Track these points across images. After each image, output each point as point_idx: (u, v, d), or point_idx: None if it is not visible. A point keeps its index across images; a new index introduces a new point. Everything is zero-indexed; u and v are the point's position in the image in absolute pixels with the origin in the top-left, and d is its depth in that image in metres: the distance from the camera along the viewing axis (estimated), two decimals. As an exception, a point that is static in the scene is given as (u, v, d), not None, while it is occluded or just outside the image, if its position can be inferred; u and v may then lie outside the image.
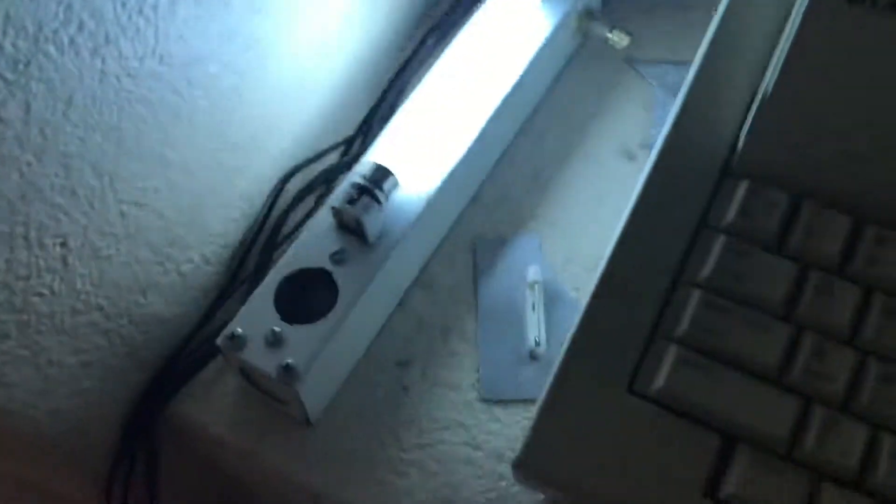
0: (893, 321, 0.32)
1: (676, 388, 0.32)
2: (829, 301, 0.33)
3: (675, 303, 0.34)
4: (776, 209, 0.34)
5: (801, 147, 0.34)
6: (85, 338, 0.36)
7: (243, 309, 0.38)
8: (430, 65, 0.45)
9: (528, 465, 0.33)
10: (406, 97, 0.44)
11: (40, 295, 0.33)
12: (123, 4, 0.30)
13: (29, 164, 0.30)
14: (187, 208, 0.39)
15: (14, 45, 0.27)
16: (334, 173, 0.45)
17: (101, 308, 0.36)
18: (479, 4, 0.46)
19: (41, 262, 0.33)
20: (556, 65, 0.48)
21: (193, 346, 0.41)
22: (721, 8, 0.39)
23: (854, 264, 0.33)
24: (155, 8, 0.32)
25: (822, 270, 0.33)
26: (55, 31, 0.28)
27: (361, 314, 0.39)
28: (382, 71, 0.48)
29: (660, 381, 0.33)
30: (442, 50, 0.45)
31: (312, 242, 0.39)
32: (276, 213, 0.43)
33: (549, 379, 0.34)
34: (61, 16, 0.28)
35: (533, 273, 0.42)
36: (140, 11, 0.31)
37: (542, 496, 0.38)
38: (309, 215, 0.43)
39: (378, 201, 0.38)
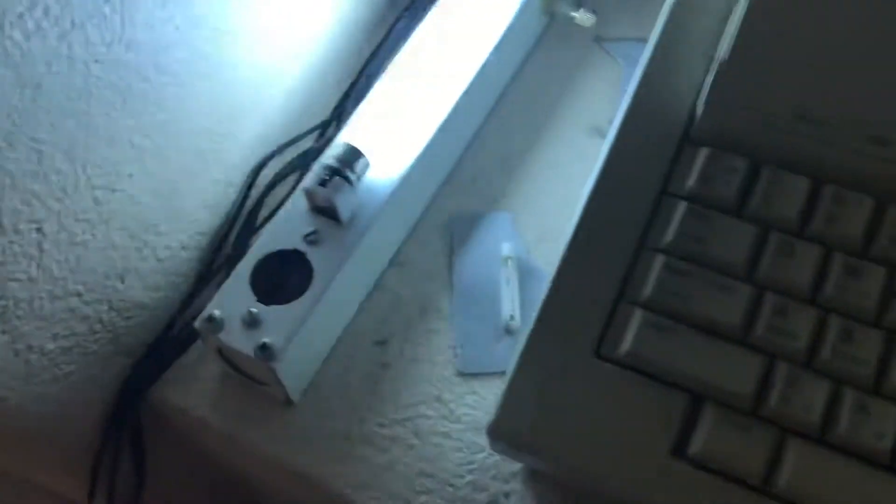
0: (853, 279, 0.33)
1: (642, 350, 0.33)
2: (789, 261, 0.34)
3: (640, 268, 0.34)
4: (736, 174, 0.34)
5: (758, 112, 0.35)
6: (64, 323, 0.37)
7: (220, 291, 0.39)
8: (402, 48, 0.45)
9: (501, 432, 0.34)
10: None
11: (17, 280, 0.34)
12: (88, -9, 0.31)
13: (0, 150, 0.30)
14: (162, 194, 0.39)
15: (-21, 32, 0.28)
16: (309, 157, 0.45)
17: (79, 294, 0.37)
18: (447, -13, 0.46)
19: (17, 248, 0.33)
20: (525, 45, 0.48)
21: (174, 331, 0.42)
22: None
23: (813, 224, 0.34)
24: (120, -5, 0.32)
25: (783, 231, 0.34)
26: (20, 16, 0.29)
27: (337, 294, 0.39)
28: (355, 55, 0.49)
29: (626, 344, 0.33)
30: (412, 33, 0.45)
31: (287, 225, 0.40)
32: (252, 197, 0.44)
33: (519, 347, 0.35)
34: (26, 1, 0.29)
35: (507, 249, 0.43)
36: (106, -1, 0.32)
37: (520, 465, 0.38)
38: (285, 199, 0.44)
39: (349, 182, 0.39)
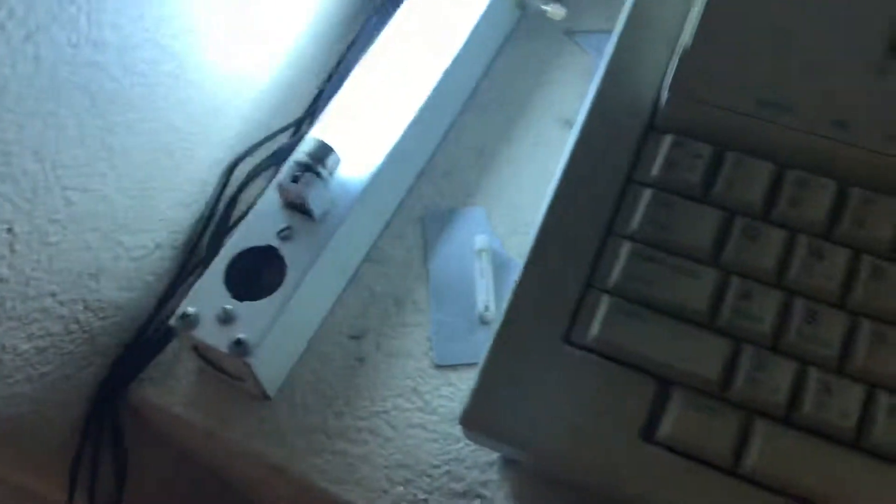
0: (817, 261, 0.34)
1: (610, 336, 0.33)
2: (754, 245, 0.34)
3: (607, 255, 0.35)
4: (700, 160, 0.35)
5: (721, 98, 0.35)
6: (38, 323, 0.37)
7: (194, 288, 0.39)
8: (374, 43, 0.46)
9: (473, 420, 0.34)
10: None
11: (-11, 281, 0.34)
12: (53, -9, 0.31)
13: (-33, 151, 0.31)
14: (135, 193, 0.39)
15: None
16: (284, 154, 0.45)
17: (53, 294, 0.37)
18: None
19: (-13, 249, 0.33)
20: (496, 39, 0.49)
21: (151, 330, 0.42)
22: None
23: (777, 209, 0.35)
24: (86, -5, 0.33)
25: (747, 216, 0.35)
26: (-17, 18, 0.29)
27: (311, 289, 0.40)
28: (329, 53, 0.49)
29: (594, 330, 0.34)
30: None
31: (260, 221, 0.40)
32: (227, 195, 0.44)
33: (491, 336, 0.35)
34: (-12, 2, 0.29)
35: (480, 241, 0.43)
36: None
37: (496, 455, 0.39)
38: (259, 197, 0.44)
39: (321, 178, 0.39)
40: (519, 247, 0.44)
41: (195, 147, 0.42)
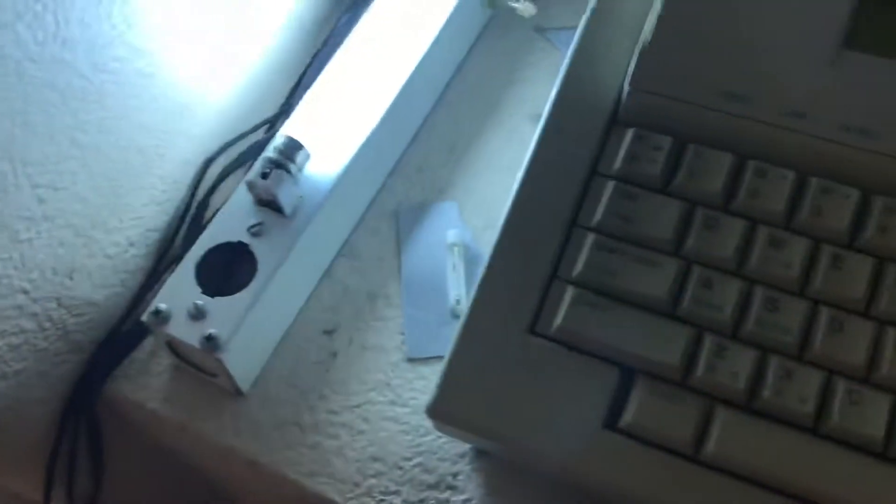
0: (777, 250, 0.34)
1: (574, 326, 0.34)
2: (715, 235, 0.35)
3: (571, 247, 0.35)
4: (661, 152, 0.35)
5: (681, 91, 0.36)
6: (11, 321, 0.37)
7: (166, 285, 0.39)
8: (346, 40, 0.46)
9: (441, 412, 0.35)
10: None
11: (-41, 278, 0.34)
12: (18, -10, 0.32)
13: (-66, 149, 0.31)
14: (107, 191, 0.40)
15: None
16: (257, 152, 0.46)
17: (25, 291, 0.38)
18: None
19: (-43, 246, 0.34)
20: (468, 37, 0.49)
21: (125, 327, 0.43)
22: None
23: (737, 199, 0.35)
24: (52, -7, 0.33)
25: (708, 207, 0.35)
26: (-53, 17, 0.29)
27: (282, 284, 0.40)
28: (303, 51, 0.50)
29: (559, 320, 0.34)
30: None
31: (232, 217, 0.41)
32: (200, 194, 0.45)
33: (458, 327, 0.35)
34: (-48, 2, 0.29)
35: (452, 236, 0.44)
36: (37, -2, 0.33)
37: (467, 446, 0.39)
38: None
39: (290, 174, 0.40)
40: (491, 241, 0.44)
41: (168, 145, 0.43)
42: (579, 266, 0.35)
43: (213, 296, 0.39)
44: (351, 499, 0.38)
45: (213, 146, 0.45)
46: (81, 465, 0.42)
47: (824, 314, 0.33)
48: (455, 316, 0.42)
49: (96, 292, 0.41)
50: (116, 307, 0.43)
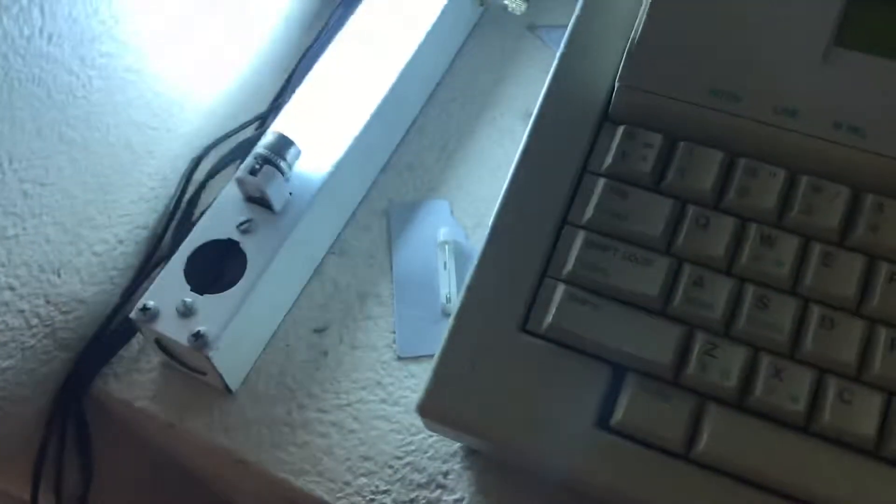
0: (768, 248, 0.34)
1: (565, 323, 0.34)
2: (705, 233, 0.34)
3: (562, 245, 0.35)
4: (651, 150, 0.35)
5: (671, 89, 0.36)
6: (-3, 317, 0.37)
7: (155, 282, 0.39)
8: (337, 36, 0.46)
9: (430, 409, 0.34)
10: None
11: (-55, 274, 0.34)
12: (3, -16, 0.31)
13: (-81, 144, 0.31)
14: (95, 188, 0.39)
15: None
16: (247, 149, 0.46)
17: (12, 287, 0.37)
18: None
19: (-57, 242, 0.33)
20: (459, 34, 0.49)
21: (114, 325, 0.42)
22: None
23: (728, 197, 0.35)
24: (39, -13, 0.33)
25: (699, 204, 0.35)
26: (-69, 10, 0.29)
27: (272, 281, 0.40)
28: (294, 48, 0.49)
29: (549, 318, 0.34)
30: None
31: (221, 214, 0.41)
32: (190, 190, 0.44)
33: (448, 325, 0.35)
34: (-64, -6, 0.29)
35: (444, 234, 0.44)
36: (24, -9, 0.32)
37: (458, 445, 0.39)
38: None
39: (280, 170, 0.39)
40: (482, 239, 0.44)
41: (156, 142, 0.42)
42: (570, 264, 0.35)
43: (202, 293, 0.39)
44: (341, 498, 0.38)
45: (203, 143, 0.45)
46: (69, 463, 0.42)
47: (815, 312, 0.33)
48: (446, 314, 0.42)
49: (84, 289, 0.41)
50: (104, 305, 0.42)
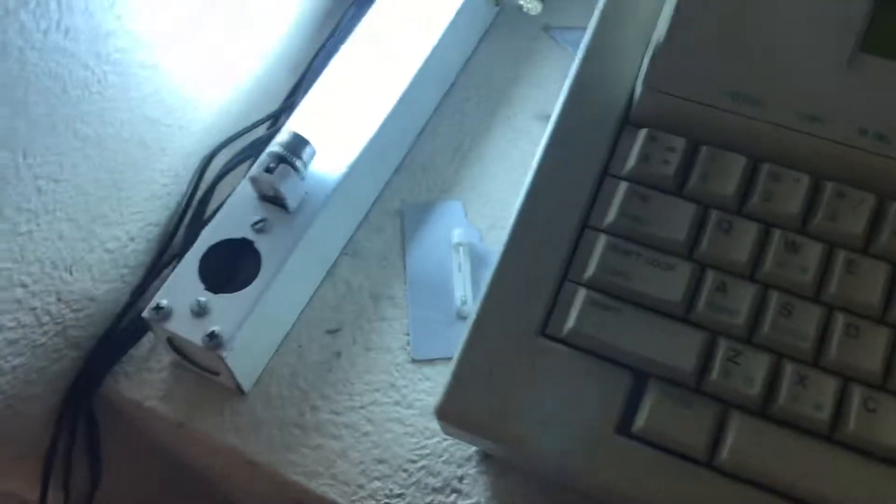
0: (791, 254, 0.34)
1: (586, 328, 0.33)
2: (729, 238, 0.34)
3: (583, 248, 0.35)
4: (674, 154, 0.35)
5: (694, 92, 0.35)
6: (9, 315, 0.37)
7: (168, 281, 0.39)
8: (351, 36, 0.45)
9: (449, 413, 0.34)
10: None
11: (-43, 271, 0.34)
12: (21, -23, 0.31)
13: (-66, 139, 0.30)
14: (108, 184, 0.39)
15: None
16: (260, 147, 0.45)
17: (24, 285, 0.37)
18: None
19: (-44, 238, 0.33)
20: (474, 34, 0.49)
21: (125, 323, 0.42)
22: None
23: (751, 202, 0.35)
24: (56, -19, 0.32)
25: (722, 209, 0.35)
26: (-51, 3, 0.28)
27: (286, 282, 0.39)
28: (307, 46, 0.49)
29: (570, 323, 0.34)
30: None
31: (235, 213, 0.40)
32: (202, 188, 0.44)
33: (467, 328, 0.35)
34: (-46, -13, 0.28)
35: (458, 235, 0.43)
36: (41, -15, 0.32)
37: (473, 449, 0.39)
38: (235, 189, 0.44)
39: (295, 169, 0.39)
40: (497, 241, 0.43)
41: (170, 138, 0.42)
42: (591, 268, 0.34)
43: (215, 292, 0.38)
44: (354, 501, 0.38)
45: (216, 141, 0.45)
46: (78, 462, 0.42)
47: (840, 320, 0.33)
48: (461, 317, 0.42)
49: (95, 287, 0.40)
50: (115, 303, 0.42)
